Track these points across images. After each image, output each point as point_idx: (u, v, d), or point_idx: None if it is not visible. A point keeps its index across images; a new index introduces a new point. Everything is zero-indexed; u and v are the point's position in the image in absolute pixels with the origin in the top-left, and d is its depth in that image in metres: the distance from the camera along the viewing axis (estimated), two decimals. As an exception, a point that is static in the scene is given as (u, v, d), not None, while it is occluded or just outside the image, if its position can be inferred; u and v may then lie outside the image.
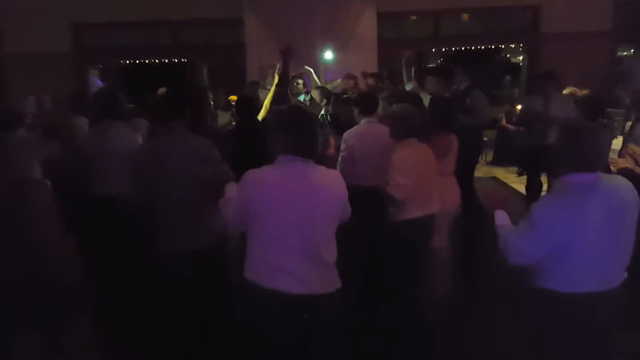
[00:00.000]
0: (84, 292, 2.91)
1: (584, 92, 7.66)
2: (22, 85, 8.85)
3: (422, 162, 3.51)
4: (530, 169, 6.59)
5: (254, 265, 2.39)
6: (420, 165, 3.48)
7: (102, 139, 3.81)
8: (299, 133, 2.38)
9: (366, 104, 4.30)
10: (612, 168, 3.90)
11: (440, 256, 3.78)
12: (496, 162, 9.26)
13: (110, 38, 9.50)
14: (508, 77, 13.45)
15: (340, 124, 4.90)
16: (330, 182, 2.46)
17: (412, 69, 6.92)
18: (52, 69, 8.82)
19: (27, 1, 8.49)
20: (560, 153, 2.37)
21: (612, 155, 4.12)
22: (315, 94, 5.86)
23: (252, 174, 2.40)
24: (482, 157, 8.49)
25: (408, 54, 7.95)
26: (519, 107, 8.02)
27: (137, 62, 9.75)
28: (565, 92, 7.71)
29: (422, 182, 3.45)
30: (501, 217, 2.60)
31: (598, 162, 2.37)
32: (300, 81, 6.42)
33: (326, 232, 2.41)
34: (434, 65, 12.45)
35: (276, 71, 5.76)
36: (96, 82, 9.71)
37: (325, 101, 5.62)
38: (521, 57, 12.35)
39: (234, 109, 5.28)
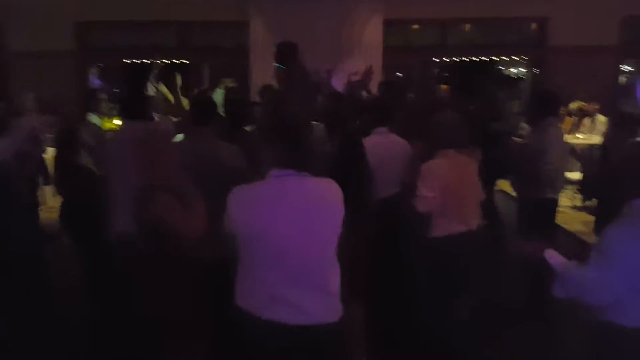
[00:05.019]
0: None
1: (595, 106, 7.63)
2: (24, 82, 8.77)
3: (454, 174, 3.21)
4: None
5: (246, 293, 2.15)
6: (451, 178, 3.19)
7: None
8: (290, 144, 2.13)
9: (376, 112, 3.96)
10: None
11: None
12: None
13: (114, 37, 9.46)
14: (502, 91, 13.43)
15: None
16: (329, 194, 2.21)
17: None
18: (54, 67, 8.75)
19: (31, -2, 8.42)
20: (628, 177, 2.21)
21: None
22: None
23: (239, 191, 2.14)
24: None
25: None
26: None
27: (140, 61, 9.66)
28: (573, 106, 7.71)
29: (452, 195, 3.18)
30: (554, 256, 2.29)
31: None
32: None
33: (328, 254, 2.18)
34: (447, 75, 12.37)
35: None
36: (93, 81, 9.66)
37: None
38: (517, 70, 12.30)
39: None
